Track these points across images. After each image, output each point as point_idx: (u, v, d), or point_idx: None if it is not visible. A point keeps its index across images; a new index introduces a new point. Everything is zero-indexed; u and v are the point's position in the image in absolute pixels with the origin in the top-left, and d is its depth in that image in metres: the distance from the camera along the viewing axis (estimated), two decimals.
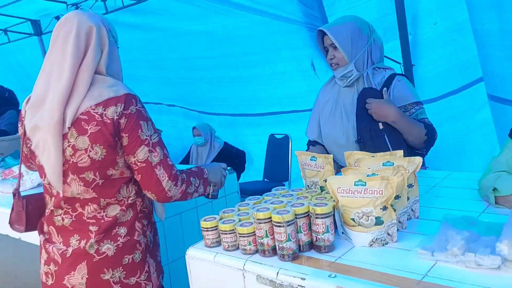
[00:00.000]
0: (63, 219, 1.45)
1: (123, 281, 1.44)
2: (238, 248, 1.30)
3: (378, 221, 1.21)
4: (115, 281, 1.43)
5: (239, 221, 1.33)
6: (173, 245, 2.11)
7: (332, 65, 1.99)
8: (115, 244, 1.43)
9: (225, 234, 1.30)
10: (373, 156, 1.47)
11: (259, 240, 1.24)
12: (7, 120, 4.20)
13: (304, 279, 1.11)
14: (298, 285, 1.12)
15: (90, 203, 1.42)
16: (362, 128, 1.86)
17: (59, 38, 1.42)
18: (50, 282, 1.46)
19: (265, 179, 4.59)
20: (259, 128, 4.93)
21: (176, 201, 1.49)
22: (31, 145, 1.45)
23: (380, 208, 1.21)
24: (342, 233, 1.28)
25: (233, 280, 1.25)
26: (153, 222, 1.59)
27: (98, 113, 1.36)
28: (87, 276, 1.40)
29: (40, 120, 1.40)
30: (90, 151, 1.37)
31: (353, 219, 1.23)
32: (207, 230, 1.35)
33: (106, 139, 1.37)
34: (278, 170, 4.41)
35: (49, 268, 1.46)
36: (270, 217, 1.21)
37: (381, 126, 1.83)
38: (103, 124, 1.36)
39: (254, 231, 1.26)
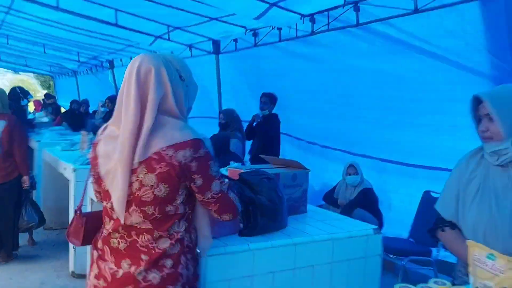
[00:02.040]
0: (118, 243, 1.58)
1: None
2: None
3: None
4: None
5: None
6: None
7: (484, 138, 1.69)
8: (161, 274, 1.53)
9: None
10: None
11: None
12: None
13: None
14: None
15: (145, 233, 1.55)
16: None
17: (126, 76, 1.55)
18: None
19: (410, 239, 4.15)
20: (412, 180, 4.51)
21: None
22: (100, 171, 1.58)
23: None
24: None
25: None
26: (195, 256, 1.68)
27: (168, 155, 1.48)
28: None
29: (112, 151, 1.53)
30: (155, 188, 1.50)
31: None
32: None
33: (171, 179, 1.50)
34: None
35: (98, 283, 1.59)
36: None
37: None
38: (171, 165, 1.48)
39: None
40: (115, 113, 1.59)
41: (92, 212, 1.79)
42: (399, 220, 4.45)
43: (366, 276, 2.18)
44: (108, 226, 1.61)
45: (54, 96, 13.19)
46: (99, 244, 1.64)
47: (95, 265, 1.63)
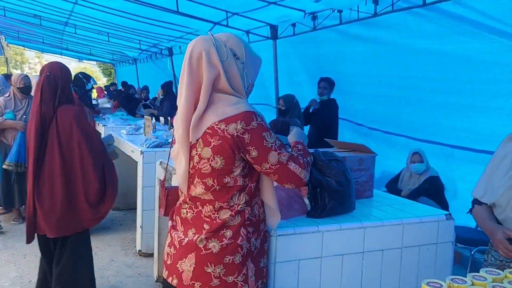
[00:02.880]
0: (187, 213, 1.70)
1: (222, 277, 1.61)
2: None
3: None
4: (216, 275, 1.61)
5: None
6: None
7: None
8: (220, 244, 1.61)
9: None
10: None
11: None
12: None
13: None
14: None
15: (208, 204, 1.64)
16: None
17: (183, 61, 1.64)
18: (169, 262, 1.71)
19: (478, 228, 3.96)
20: (481, 167, 4.28)
21: None
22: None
23: None
24: None
25: None
26: (262, 230, 1.73)
27: (221, 129, 1.57)
28: (194, 266, 1.62)
29: (176, 133, 1.67)
30: (211, 160, 1.59)
31: None
32: None
33: (225, 152, 1.57)
34: None
35: (170, 250, 1.72)
36: None
37: None
38: (224, 138, 1.56)
39: None
40: (178, 97, 1.69)
41: (173, 187, 1.91)
42: (466, 209, 4.26)
43: (437, 263, 2.12)
44: (181, 198, 1.76)
45: (116, 83, 13.74)
46: (174, 216, 1.79)
47: (169, 235, 1.76)
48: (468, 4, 3.74)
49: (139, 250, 4.13)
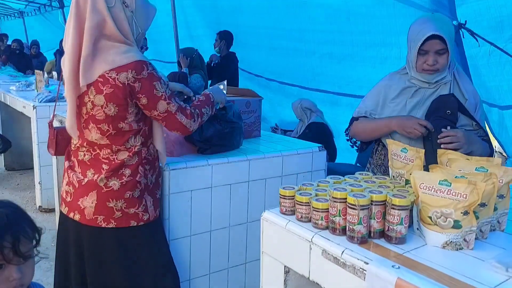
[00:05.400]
0: (84, 155, 1.79)
1: (124, 210, 1.76)
2: (310, 220, 1.36)
3: (456, 225, 1.18)
4: (117, 209, 1.75)
5: (316, 195, 1.37)
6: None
7: (429, 70, 1.86)
8: (120, 182, 1.74)
9: (300, 205, 1.36)
10: (467, 159, 1.40)
11: (331, 218, 1.28)
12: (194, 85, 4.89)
13: (367, 263, 1.14)
14: (360, 268, 1.15)
15: (105, 148, 1.75)
16: (436, 126, 1.77)
17: (71, 1, 1.66)
18: (68, 199, 1.82)
19: (358, 164, 4.52)
20: None
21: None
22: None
23: (461, 212, 1.17)
24: (417, 229, 1.27)
25: (301, 249, 1.32)
26: (157, 167, 1.90)
27: (112, 78, 1.63)
28: (96, 202, 1.74)
29: (64, 74, 1.71)
30: (105, 107, 1.68)
31: (430, 217, 1.21)
32: (284, 198, 1.42)
33: (118, 99, 1.66)
34: None
35: (69, 188, 1.82)
36: (346, 198, 1.24)
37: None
38: (116, 87, 1.64)
39: (328, 208, 1.30)
40: (64, 37, 1.73)
41: (62, 127, 1.95)
42: (350, 149, 4.79)
43: None
44: (75, 141, 1.84)
45: (7, 35, 12.49)
46: (71, 157, 1.86)
47: (66, 174, 1.86)
48: None
49: (39, 206, 4.09)
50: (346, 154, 4.80)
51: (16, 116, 4.84)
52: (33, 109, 3.79)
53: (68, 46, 1.67)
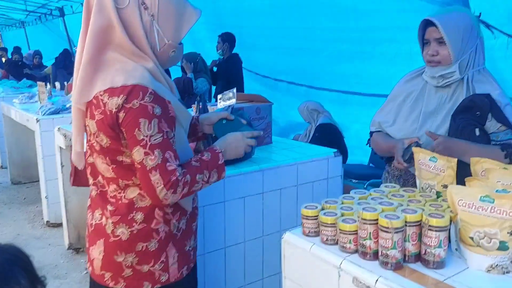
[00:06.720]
0: (93, 190, 1.44)
1: (135, 266, 1.36)
2: (337, 243, 1.24)
3: (503, 246, 1.06)
4: (127, 265, 1.36)
5: (342, 215, 1.26)
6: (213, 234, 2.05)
7: (431, 62, 1.72)
8: (129, 230, 1.34)
9: (326, 226, 1.25)
10: (505, 168, 1.28)
11: (361, 241, 1.17)
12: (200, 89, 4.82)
13: None
14: None
15: (112, 183, 1.36)
16: (461, 129, 1.61)
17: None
18: (87, 245, 1.46)
19: (371, 164, 4.40)
20: (373, 110, 4.68)
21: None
22: None
23: (508, 232, 1.05)
24: (456, 250, 1.15)
25: (328, 275, 1.20)
26: (185, 210, 1.44)
27: (103, 102, 1.26)
28: (103, 254, 1.37)
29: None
30: (97, 137, 1.31)
31: (472, 238, 1.10)
32: (307, 219, 1.31)
33: (107, 130, 1.28)
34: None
35: (87, 232, 1.47)
36: (377, 219, 1.13)
37: (477, 133, 1.59)
38: (104, 113, 1.26)
39: (357, 230, 1.18)
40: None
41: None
42: (360, 147, 4.66)
43: (329, 195, 2.36)
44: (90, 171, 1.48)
45: (6, 49, 12.50)
46: (91, 191, 1.49)
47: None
48: None
49: (47, 221, 4.01)
50: (357, 152, 4.68)
51: (21, 128, 4.76)
52: (37, 122, 3.71)
53: (77, 53, 1.36)
